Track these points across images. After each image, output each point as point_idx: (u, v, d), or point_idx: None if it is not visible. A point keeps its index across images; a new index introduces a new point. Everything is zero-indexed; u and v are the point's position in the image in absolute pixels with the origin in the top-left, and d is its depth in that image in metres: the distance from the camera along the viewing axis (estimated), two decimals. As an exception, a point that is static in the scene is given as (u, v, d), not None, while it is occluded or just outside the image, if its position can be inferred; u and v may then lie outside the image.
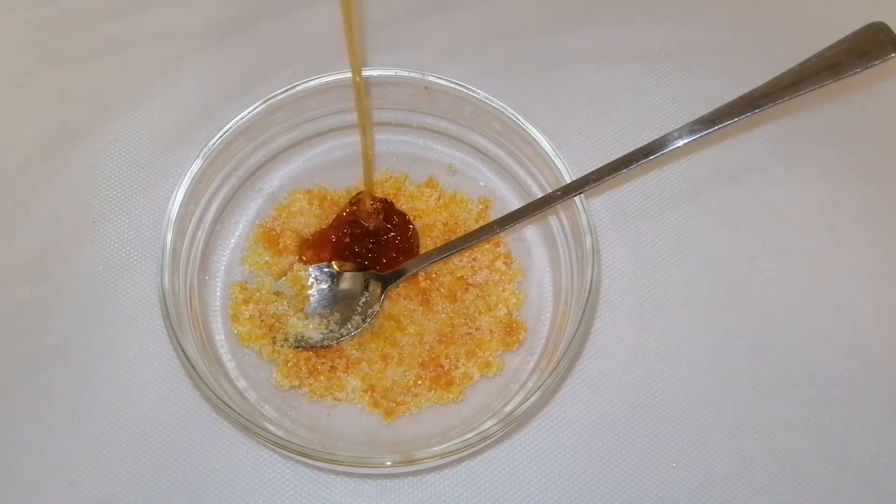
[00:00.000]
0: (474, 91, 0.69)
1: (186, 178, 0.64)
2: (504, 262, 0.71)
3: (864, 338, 0.71)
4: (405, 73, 0.69)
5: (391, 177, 0.74)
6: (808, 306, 0.73)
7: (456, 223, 0.72)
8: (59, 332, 0.69)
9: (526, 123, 0.67)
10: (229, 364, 0.66)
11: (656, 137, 0.64)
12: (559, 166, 0.65)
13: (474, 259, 0.71)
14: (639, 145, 0.64)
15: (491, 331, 0.68)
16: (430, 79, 0.69)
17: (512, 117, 0.68)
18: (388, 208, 0.71)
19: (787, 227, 0.76)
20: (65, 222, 0.74)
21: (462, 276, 0.70)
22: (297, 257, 0.70)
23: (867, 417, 0.68)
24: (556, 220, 0.70)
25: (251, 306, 0.68)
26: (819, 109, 0.82)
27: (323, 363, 0.66)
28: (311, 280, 0.69)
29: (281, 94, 0.68)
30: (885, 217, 0.77)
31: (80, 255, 0.72)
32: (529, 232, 0.73)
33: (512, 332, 0.68)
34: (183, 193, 0.64)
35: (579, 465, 0.65)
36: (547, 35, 0.86)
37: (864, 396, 0.69)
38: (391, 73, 0.69)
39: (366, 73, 0.69)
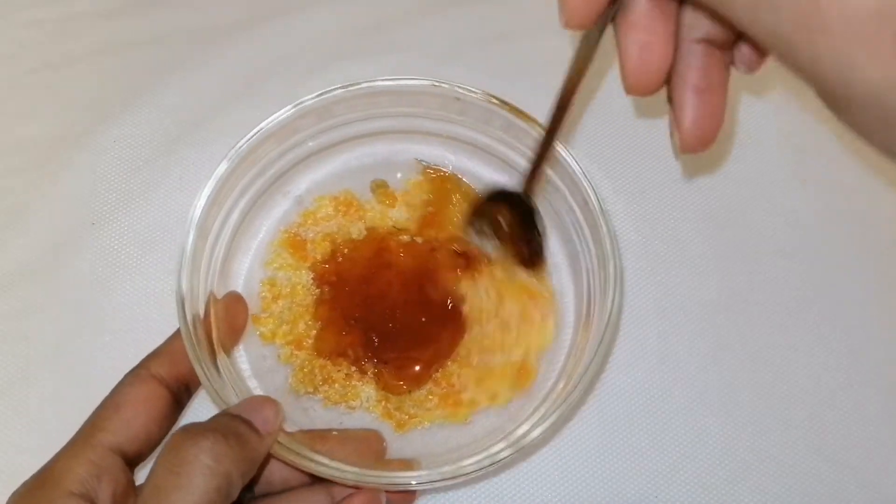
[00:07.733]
0: (474, 91, 0.68)
1: (212, 181, 0.63)
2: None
3: (864, 338, 0.72)
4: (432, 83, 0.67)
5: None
6: (807, 307, 0.73)
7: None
8: (58, 335, 0.69)
9: (526, 124, 0.67)
10: (244, 366, 0.66)
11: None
12: (568, 160, 0.64)
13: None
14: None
15: (503, 368, 0.66)
16: (455, 89, 0.67)
17: (512, 117, 0.67)
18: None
19: (787, 227, 0.76)
20: (64, 224, 0.73)
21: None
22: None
23: (867, 417, 0.68)
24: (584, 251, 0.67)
25: (280, 302, 0.68)
26: (819, 109, 0.82)
27: (338, 371, 0.66)
28: None
29: (310, 99, 0.67)
30: (885, 217, 0.77)
31: (80, 258, 0.72)
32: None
33: (522, 376, 0.66)
34: (207, 195, 0.62)
35: (578, 466, 0.66)
36: (547, 35, 0.86)
37: (864, 396, 0.69)
38: (427, 82, 0.68)
39: (379, 83, 0.67)
